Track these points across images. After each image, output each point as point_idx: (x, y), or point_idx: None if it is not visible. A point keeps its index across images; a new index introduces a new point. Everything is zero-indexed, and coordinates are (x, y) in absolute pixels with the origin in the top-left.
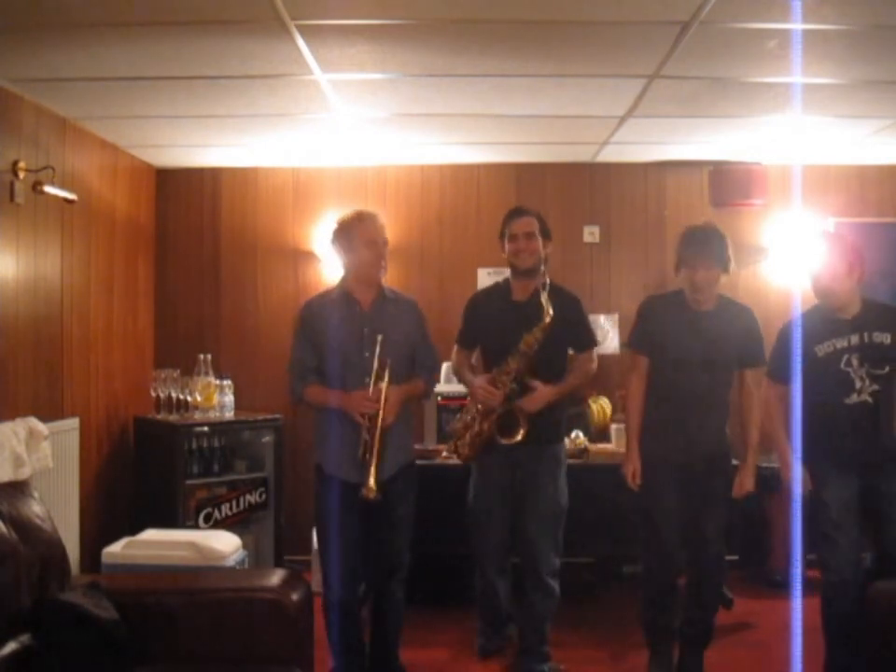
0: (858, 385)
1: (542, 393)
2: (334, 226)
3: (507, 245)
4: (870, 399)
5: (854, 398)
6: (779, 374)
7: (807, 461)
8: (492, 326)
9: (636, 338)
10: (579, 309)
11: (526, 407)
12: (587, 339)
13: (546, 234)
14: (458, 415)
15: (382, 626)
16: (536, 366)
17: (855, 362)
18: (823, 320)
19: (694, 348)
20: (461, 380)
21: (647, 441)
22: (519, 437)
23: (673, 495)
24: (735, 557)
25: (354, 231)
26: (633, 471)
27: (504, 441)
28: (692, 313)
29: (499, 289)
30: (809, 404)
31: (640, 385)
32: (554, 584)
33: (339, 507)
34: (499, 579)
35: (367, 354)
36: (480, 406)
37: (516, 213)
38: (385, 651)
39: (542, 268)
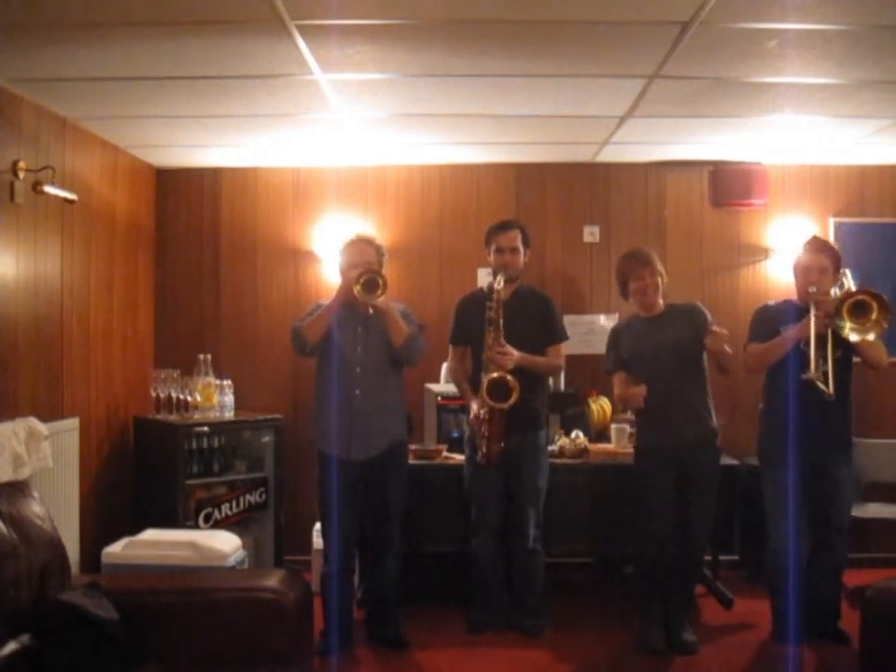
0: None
1: (515, 353)
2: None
3: (493, 255)
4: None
5: (810, 374)
6: (750, 340)
7: (767, 443)
8: (478, 325)
9: (608, 363)
10: (550, 307)
11: (498, 361)
12: (555, 333)
13: (527, 244)
14: (466, 429)
15: (378, 596)
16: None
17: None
18: (794, 309)
19: (654, 348)
20: (457, 385)
21: (638, 432)
22: (512, 400)
23: (663, 478)
24: (736, 557)
25: (341, 256)
26: (637, 392)
27: (500, 406)
28: (646, 321)
29: (483, 293)
30: (775, 378)
31: (624, 390)
32: (539, 548)
33: (340, 485)
34: (495, 545)
35: (360, 349)
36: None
37: (503, 226)
38: (383, 620)
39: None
